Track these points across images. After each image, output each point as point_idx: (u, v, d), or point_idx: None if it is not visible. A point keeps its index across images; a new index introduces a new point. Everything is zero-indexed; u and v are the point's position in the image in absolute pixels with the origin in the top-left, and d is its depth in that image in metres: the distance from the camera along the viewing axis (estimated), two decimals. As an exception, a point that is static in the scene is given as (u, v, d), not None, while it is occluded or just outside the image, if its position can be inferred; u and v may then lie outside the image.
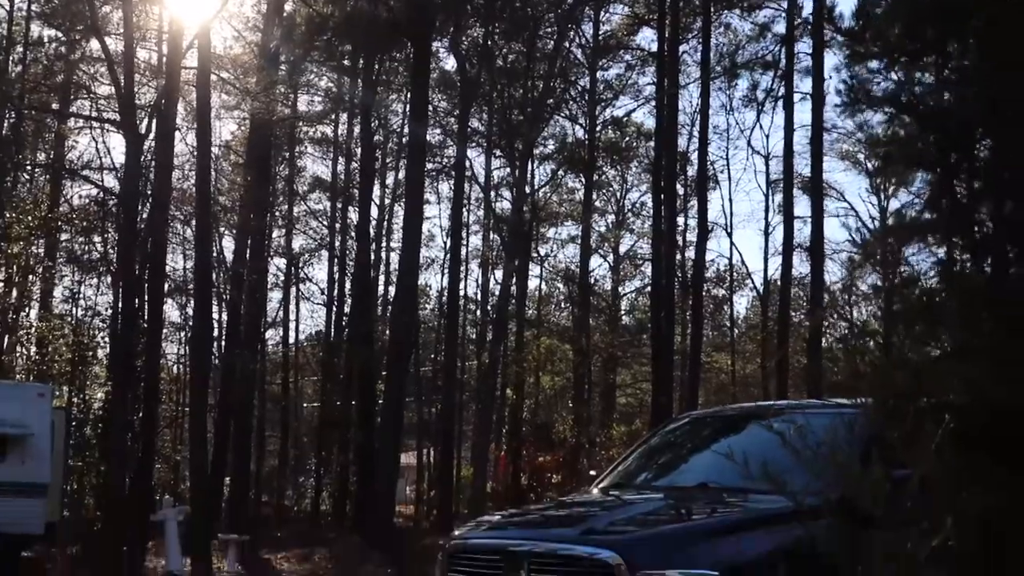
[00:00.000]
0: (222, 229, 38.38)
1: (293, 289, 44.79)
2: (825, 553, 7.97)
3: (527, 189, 38.97)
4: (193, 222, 32.20)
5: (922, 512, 5.50)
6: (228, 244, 39.24)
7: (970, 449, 5.49)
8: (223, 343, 36.43)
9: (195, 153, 29.80)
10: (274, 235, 41.96)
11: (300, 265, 44.84)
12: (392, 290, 39.02)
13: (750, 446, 9.75)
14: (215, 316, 36.26)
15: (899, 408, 5.45)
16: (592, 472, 11.16)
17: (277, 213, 40.92)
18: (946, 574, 5.43)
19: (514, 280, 36.24)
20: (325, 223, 43.63)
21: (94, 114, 36.06)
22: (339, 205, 42.19)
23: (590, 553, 7.19)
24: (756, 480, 8.68)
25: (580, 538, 7.44)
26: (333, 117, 42.51)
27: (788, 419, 10.30)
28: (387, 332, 35.94)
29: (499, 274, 40.43)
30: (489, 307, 42.41)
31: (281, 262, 43.73)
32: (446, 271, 41.29)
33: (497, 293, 41.15)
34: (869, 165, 44.51)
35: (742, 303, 51.20)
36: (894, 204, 51.01)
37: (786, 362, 35.59)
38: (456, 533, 8.59)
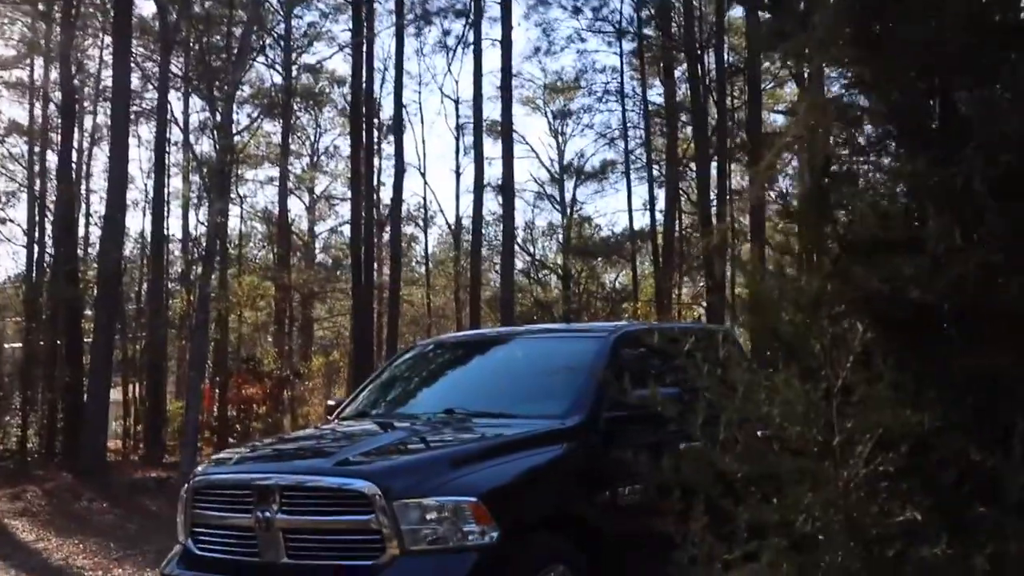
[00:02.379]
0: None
1: (-9, 231, 42.03)
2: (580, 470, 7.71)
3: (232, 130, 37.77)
4: None
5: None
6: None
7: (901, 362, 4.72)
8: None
9: None
10: (-32, 178, 39.25)
11: (-1, 207, 42.11)
12: (94, 231, 37.51)
13: (502, 368, 9.38)
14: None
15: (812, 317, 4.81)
16: (330, 402, 10.50)
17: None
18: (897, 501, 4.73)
19: (218, 219, 34.92)
20: (24, 166, 41.12)
21: None
22: (37, 148, 39.85)
23: (341, 484, 6.77)
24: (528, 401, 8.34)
25: (332, 469, 7.01)
26: (29, 62, 40.11)
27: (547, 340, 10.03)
28: (90, 272, 34.48)
29: (202, 214, 39.41)
30: (191, 245, 41.28)
31: (-23, 204, 40.97)
32: (147, 212, 39.94)
33: (197, 232, 40.24)
34: (550, 109, 45.30)
35: (432, 239, 51.40)
36: (572, 147, 52.30)
37: (478, 293, 35.71)
38: (199, 470, 7.93)
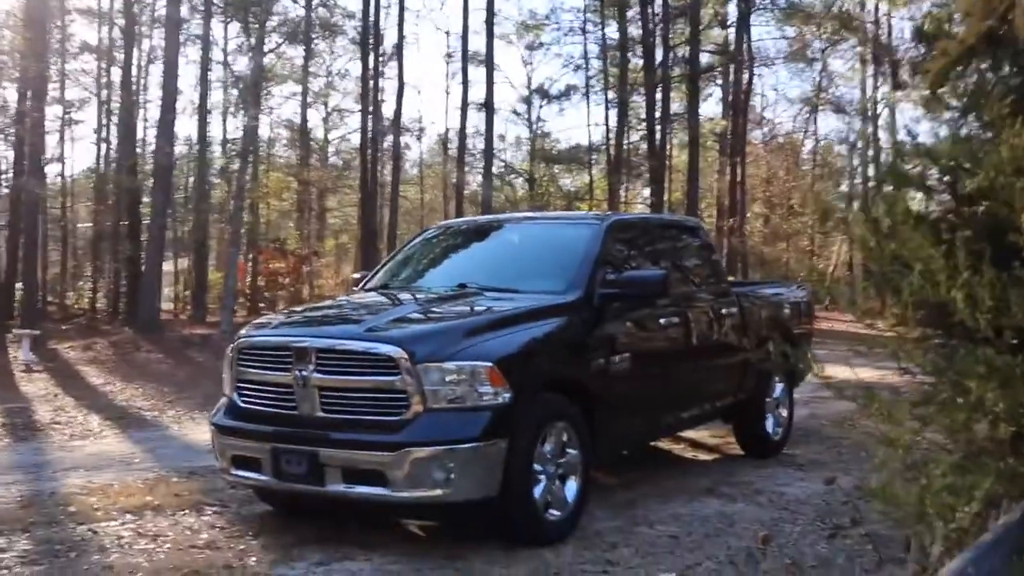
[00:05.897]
0: (4, 83, 34.06)
1: (68, 131, 40.78)
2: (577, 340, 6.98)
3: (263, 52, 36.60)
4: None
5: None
6: (11, 95, 35.03)
7: None
8: (10, 174, 33.09)
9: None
10: (50, 87, 37.74)
11: (73, 111, 40.81)
12: (150, 133, 36.49)
13: (508, 249, 8.60)
14: (1, 151, 32.60)
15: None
16: (355, 275, 9.70)
17: (53, 69, 36.69)
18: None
19: (251, 125, 33.82)
20: (93, 78, 39.78)
21: None
22: (103, 64, 38.55)
23: (369, 348, 6.04)
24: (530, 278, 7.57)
25: (364, 334, 6.24)
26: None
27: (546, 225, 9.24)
28: (147, 166, 33.59)
29: (238, 121, 38.47)
30: (228, 146, 40.33)
31: (58, 108, 39.69)
32: (194, 118, 38.88)
33: (234, 136, 39.27)
34: (522, 43, 44.13)
35: (424, 147, 50.64)
36: (540, 73, 50.90)
37: (461, 190, 34.96)
38: (242, 332, 7.10)
